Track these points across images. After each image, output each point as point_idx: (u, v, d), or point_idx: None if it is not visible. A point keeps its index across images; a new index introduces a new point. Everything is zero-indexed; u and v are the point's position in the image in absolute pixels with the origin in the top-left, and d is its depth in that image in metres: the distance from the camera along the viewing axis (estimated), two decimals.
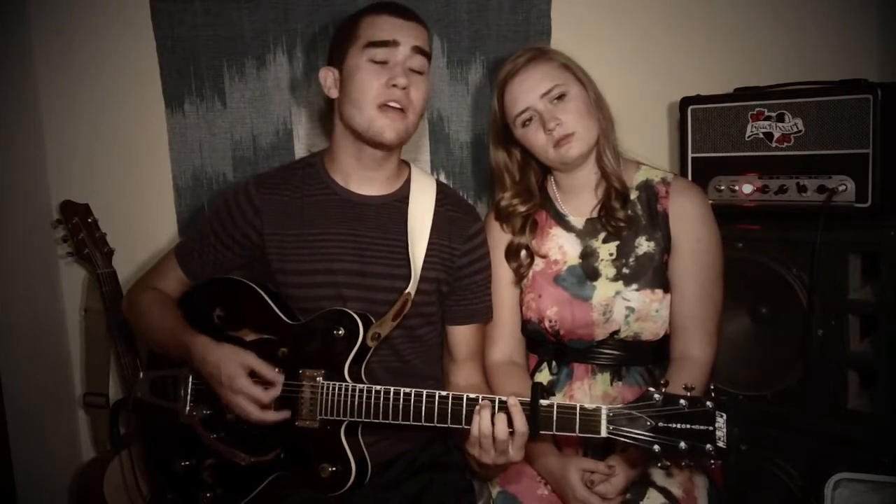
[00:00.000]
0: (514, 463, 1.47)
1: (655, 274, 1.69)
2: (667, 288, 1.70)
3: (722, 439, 1.29)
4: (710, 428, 1.30)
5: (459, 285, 1.74)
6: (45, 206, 2.24)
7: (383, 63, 1.61)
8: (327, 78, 1.70)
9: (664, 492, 1.56)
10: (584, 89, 1.70)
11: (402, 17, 1.64)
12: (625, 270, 1.70)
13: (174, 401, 1.70)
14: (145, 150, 2.24)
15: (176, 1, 2.16)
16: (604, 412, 1.36)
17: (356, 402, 1.51)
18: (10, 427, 1.99)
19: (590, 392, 1.71)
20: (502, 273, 1.79)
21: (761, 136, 1.91)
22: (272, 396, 1.54)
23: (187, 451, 1.67)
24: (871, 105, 1.75)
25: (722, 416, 1.30)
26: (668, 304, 1.70)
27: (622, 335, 1.70)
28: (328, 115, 1.78)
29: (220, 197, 1.95)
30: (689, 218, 1.70)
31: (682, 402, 1.32)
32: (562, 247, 1.76)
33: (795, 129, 1.86)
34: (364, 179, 1.71)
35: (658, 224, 1.71)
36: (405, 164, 1.79)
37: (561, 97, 1.67)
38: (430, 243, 1.68)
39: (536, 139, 1.69)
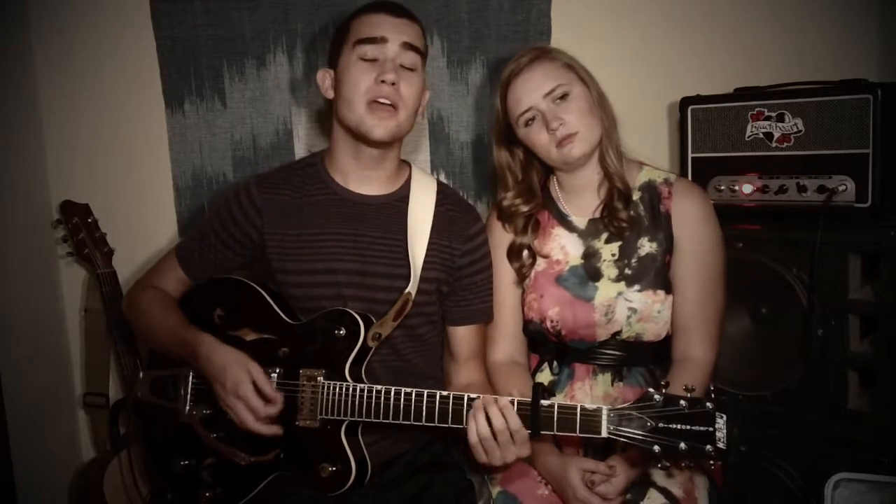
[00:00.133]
0: (522, 457, 1.46)
1: (657, 275, 1.69)
2: (669, 289, 1.69)
3: (722, 440, 1.29)
4: (710, 429, 1.29)
5: (460, 285, 1.74)
6: (45, 206, 2.24)
7: (373, 60, 1.62)
8: (325, 79, 1.71)
9: (664, 492, 1.56)
10: (588, 89, 1.70)
11: (392, 13, 1.65)
12: (627, 271, 1.70)
13: (174, 400, 1.70)
14: (145, 150, 2.25)
15: (176, 1, 2.16)
16: (604, 412, 1.36)
17: (357, 402, 1.51)
18: (10, 427, 1.99)
19: (591, 392, 1.71)
20: (504, 273, 1.79)
21: (761, 136, 1.91)
22: (270, 413, 1.53)
23: (187, 450, 1.67)
24: (871, 105, 1.75)
25: (722, 417, 1.30)
26: (669, 305, 1.70)
27: (624, 336, 1.70)
28: (328, 115, 1.79)
29: (220, 197, 1.96)
30: (691, 219, 1.69)
31: (683, 402, 1.32)
32: (564, 247, 1.76)
33: (795, 129, 1.86)
34: (363, 179, 1.71)
35: (660, 225, 1.70)
36: (405, 164, 1.79)
37: (564, 97, 1.67)
38: (430, 243, 1.68)
39: (539, 139, 1.69)
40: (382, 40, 1.62)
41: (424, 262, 1.67)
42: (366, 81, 1.61)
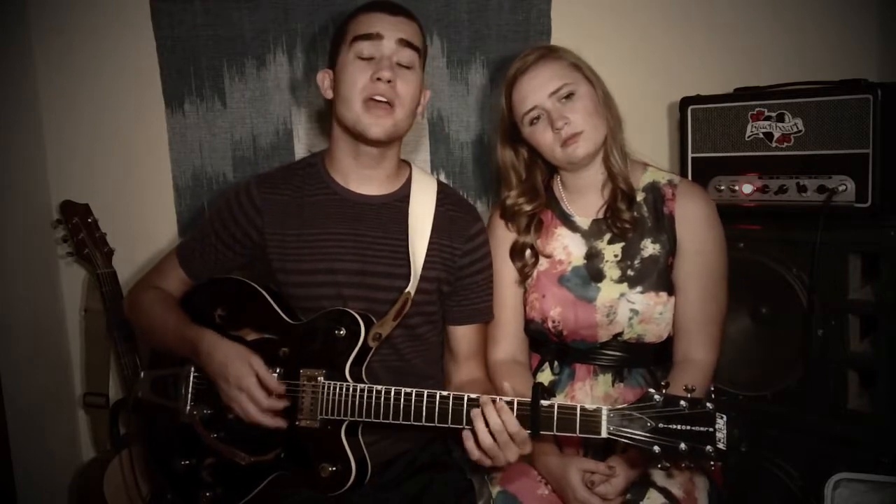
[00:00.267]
0: (523, 455, 1.46)
1: (660, 277, 1.68)
2: (671, 291, 1.69)
3: (722, 441, 1.29)
4: (711, 429, 1.29)
5: (461, 285, 1.74)
6: (45, 206, 2.24)
7: (370, 58, 1.62)
8: (324, 80, 1.71)
9: (664, 492, 1.56)
10: (593, 89, 1.69)
11: (388, 11, 1.65)
12: (630, 272, 1.69)
13: (175, 400, 1.70)
14: (145, 150, 2.25)
15: (176, 1, 2.17)
16: (604, 413, 1.36)
17: (357, 402, 1.51)
18: (11, 427, 1.99)
19: (591, 393, 1.71)
20: (506, 272, 1.78)
21: (761, 136, 1.91)
22: (273, 405, 1.53)
23: (187, 450, 1.67)
24: (871, 105, 1.75)
25: (722, 418, 1.30)
26: (671, 307, 1.69)
27: (625, 337, 1.69)
28: (328, 115, 1.79)
29: (221, 197, 1.96)
30: (695, 221, 1.69)
31: (683, 403, 1.31)
32: (567, 247, 1.76)
33: (795, 129, 1.86)
34: (363, 178, 1.71)
35: (664, 226, 1.70)
36: (406, 164, 1.79)
37: (569, 96, 1.67)
38: (430, 243, 1.68)
39: (544, 138, 1.69)
40: (378, 37, 1.62)
41: (425, 261, 1.67)
42: (362, 79, 1.61)
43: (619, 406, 1.37)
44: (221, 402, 1.59)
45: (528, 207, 1.77)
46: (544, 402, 1.39)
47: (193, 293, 1.77)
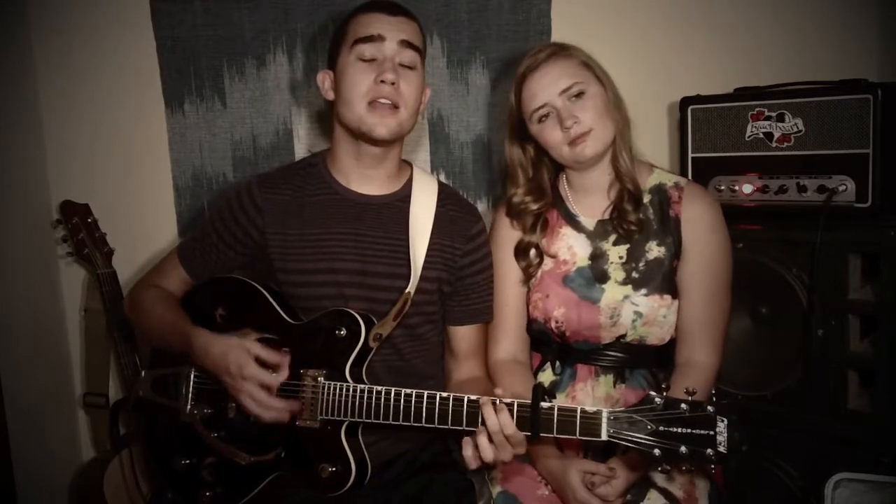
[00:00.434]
0: (519, 454, 1.45)
1: (665, 279, 1.68)
2: (675, 294, 1.69)
3: (723, 444, 1.29)
4: (711, 433, 1.29)
5: (461, 285, 1.74)
6: (45, 206, 2.24)
7: (372, 60, 1.62)
8: (325, 81, 1.71)
9: (665, 493, 1.56)
10: (604, 88, 1.69)
11: (388, 12, 1.65)
12: (634, 274, 1.69)
13: (175, 399, 1.70)
14: (145, 150, 2.25)
15: (176, 1, 2.17)
16: (604, 415, 1.36)
17: (357, 403, 1.51)
18: (11, 427, 1.99)
19: (592, 394, 1.70)
20: (509, 271, 1.78)
21: (761, 136, 1.91)
22: (281, 380, 1.53)
23: (188, 449, 1.67)
24: (871, 105, 1.75)
25: (723, 421, 1.29)
26: (675, 310, 1.69)
27: (628, 339, 1.69)
28: (328, 115, 1.79)
29: (222, 196, 1.96)
30: (701, 224, 1.69)
31: (683, 406, 1.31)
32: (571, 247, 1.75)
33: (795, 129, 1.86)
34: (364, 178, 1.71)
35: (669, 229, 1.70)
36: (407, 164, 1.79)
37: (579, 95, 1.66)
38: (431, 243, 1.68)
39: (552, 136, 1.68)
40: (380, 38, 1.62)
41: (426, 261, 1.67)
42: (365, 82, 1.61)
43: (620, 409, 1.36)
44: (224, 402, 1.59)
45: (534, 206, 1.76)
46: (544, 404, 1.39)
47: (194, 293, 1.77)
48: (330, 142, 1.76)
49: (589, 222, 1.76)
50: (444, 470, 1.71)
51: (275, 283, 1.69)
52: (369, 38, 1.61)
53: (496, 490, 1.66)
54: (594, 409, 1.37)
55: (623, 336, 1.69)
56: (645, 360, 1.71)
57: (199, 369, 1.64)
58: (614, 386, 1.70)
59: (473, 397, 1.44)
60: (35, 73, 2.22)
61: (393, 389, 1.49)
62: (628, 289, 1.68)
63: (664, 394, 1.34)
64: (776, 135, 1.89)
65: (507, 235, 1.79)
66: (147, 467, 1.95)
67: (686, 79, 2.18)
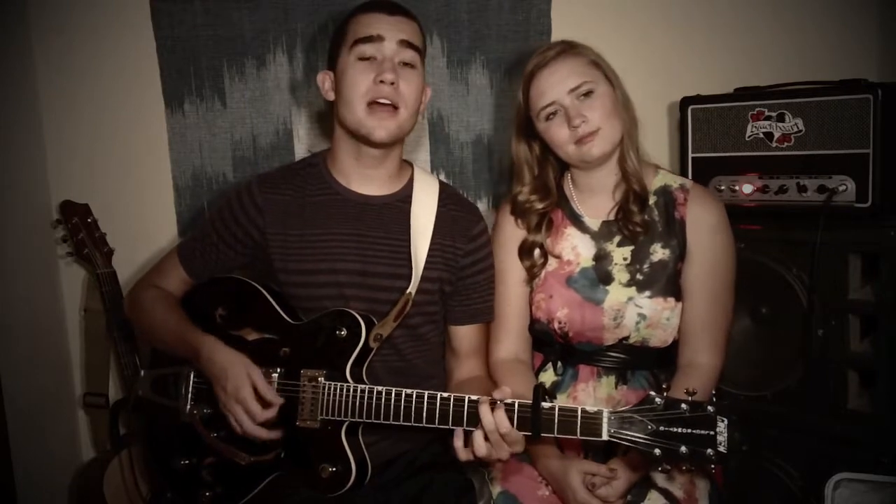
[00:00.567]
0: (516, 453, 1.46)
1: (669, 282, 1.68)
2: (679, 296, 1.68)
3: (723, 444, 1.29)
4: (712, 433, 1.29)
5: (462, 285, 1.74)
6: (45, 206, 2.24)
7: (371, 60, 1.62)
8: (325, 82, 1.71)
9: (665, 493, 1.56)
10: (612, 88, 1.68)
11: (387, 12, 1.64)
12: (638, 276, 1.68)
13: (175, 399, 1.70)
14: (145, 150, 2.24)
15: (176, 1, 2.16)
16: (605, 416, 1.36)
17: (357, 403, 1.51)
18: (11, 427, 1.99)
19: (594, 394, 1.70)
20: (513, 270, 1.77)
21: (761, 136, 1.91)
22: (267, 417, 1.53)
23: (187, 449, 1.67)
24: (871, 105, 1.75)
25: (723, 421, 1.29)
26: (678, 313, 1.69)
27: (631, 340, 1.69)
28: (328, 115, 1.79)
29: (222, 196, 1.96)
30: (706, 227, 1.68)
31: (684, 406, 1.31)
32: (575, 247, 1.74)
33: (796, 129, 1.86)
34: (365, 179, 1.71)
35: (674, 231, 1.69)
36: (408, 164, 1.79)
37: (588, 94, 1.65)
38: (432, 243, 1.68)
39: (559, 134, 1.67)
40: (379, 38, 1.61)
41: (427, 261, 1.67)
42: (365, 82, 1.60)
43: (620, 409, 1.36)
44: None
45: (539, 205, 1.76)
46: (545, 404, 1.39)
47: (194, 292, 1.77)
48: (330, 142, 1.75)
49: (593, 223, 1.75)
50: (444, 470, 1.70)
51: (275, 283, 1.69)
52: (368, 39, 1.61)
53: (496, 490, 1.66)
54: (595, 409, 1.37)
55: (626, 338, 1.68)
56: (647, 362, 1.71)
57: (198, 373, 1.64)
58: (616, 387, 1.70)
59: (474, 397, 1.44)
60: (35, 73, 2.22)
61: (393, 390, 1.49)
62: (632, 291, 1.68)
63: (664, 394, 1.34)
64: (776, 135, 1.89)
65: (511, 234, 1.78)
66: (147, 467, 1.95)
67: (686, 79, 2.18)
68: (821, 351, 1.82)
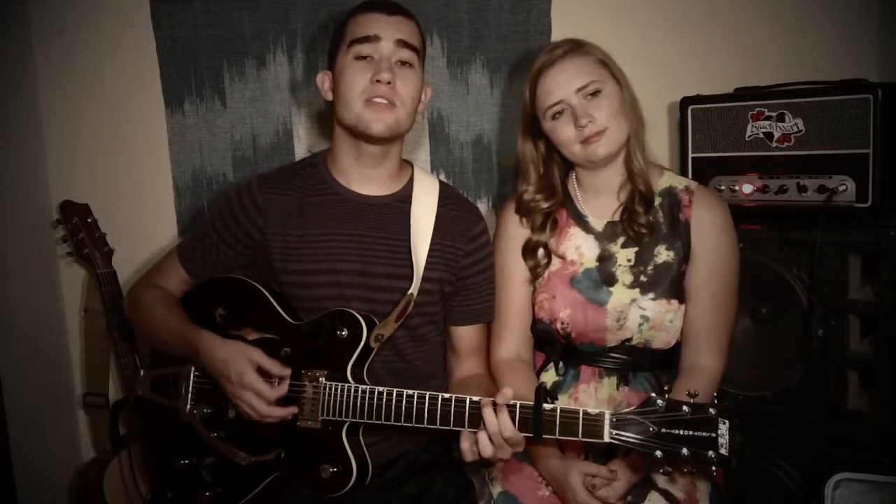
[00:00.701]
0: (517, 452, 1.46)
1: (672, 284, 1.67)
2: (682, 298, 1.68)
3: (724, 446, 1.29)
4: (713, 435, 1.29)
5: (462, 285, 1.74)
6: (45, 206, 2.24)
7: (368, 59, 1.62)
8: (324, 82, 1.71)
9: (666, 494, 1.56)
10: (620, 88, 1.67)
11: (386, 12, 1.64)
12: (642, 278, 1.68)
13: (175, 399, 1.70)
14: (145, 150, 2.25)
15: (176, 1, 2.16)
16: (607, 417, 1.36)
17: (358, 404, 1.51)
18: (11, 427, 1.99)
19: (595, 395, 1.70)
20: (516, 269, 1.76)
21: (761, 136, 1.91)
22: (280, 394, 1.53)
23: (187, 449, 1.67)
24: (871, 105, 1.75)
25: (725, 423, 1.29)
26: (682, 315, 1.68)
27: (633, 342, 1.68)
28: (328, 116, 1.78)
29: (222, 196, 1.96)
30: (711, 229, 1.68)
31: (685, 408, 1.31)
32: (579, 248, 1.73)
33: (796, 129, 1.86)
34: (365, 178, 1.71)
35: (679, 233, 1.69)
36: (408, 164, 1.79)
37: (595, 94, 1.64)
38: (432, 243, 1.68)
39: (564, 133, 1.66)
40: (376, 38, 1.61)
41: (427, 262, 1.67)
42: (362, 81, 1.61)
43: (622, 411, 1.36)
44: (223, 401, 1.59)
45: (544, 205, 1.75)
46: (547, 406, 1.39)
47: (194, 292, 1.77)
48: (330, 142, 1.75)
49: (598, 223, 1.75)
50: (444, 470, 1.71)
51: (276, 283, 1.69)
52: (365, 39, 1.61)
53: (496, 490, 1.66)
54: (596, 410, 1.37)
55: (628, 339, 1.68)
56: (649, 364, 1.71)
57: (201, 371, 1.64)
58: (617, 388, 1.69)
59: (475, 399, 1.44)
60: (35, 73, 2.22)
61: (395, 390, 1.49)
62: (636, 292, 1.67)
63: (666, 396, 1.34)
64: (776, 135, 1.89)
65: (515, 233, 1.77)
66: (147, 467, 1.95)
67: (686, 79, 2.18)
68: (821, 351, 1.82)
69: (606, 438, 1.35)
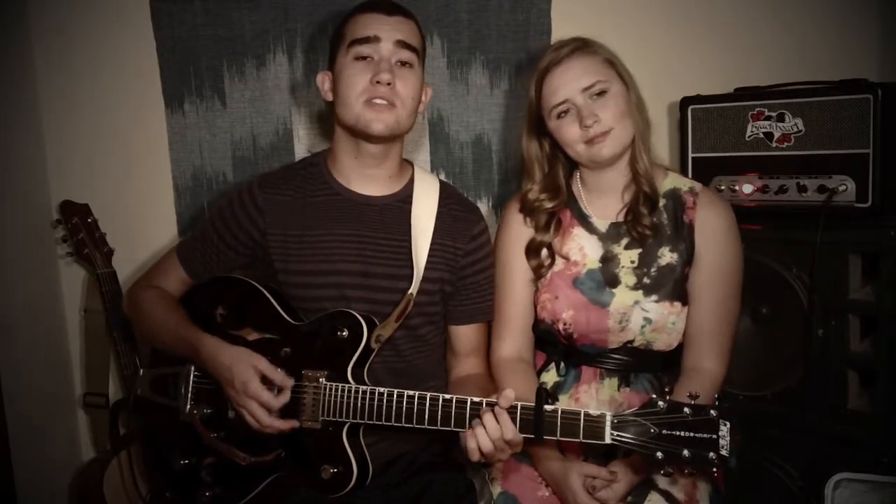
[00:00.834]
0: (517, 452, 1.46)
1: (676, 286, 1.66)
2: (685, 301, 1.67)
3: (725, 448, 1.29)
4: (714, 436, 1.29)
5: (462, 285, 1.74)
6: (45, 206, 2.24)
7: (368, 60, 1.61)
8: (324, 82, 1.71)
9: (666, 495, 1.56)
10: (626, 88, 1.66)
11: (384, 12, 1.64)
12: (645, 280, 1.67)
13: (174, 399, 1.70)
14: (145, 150, 2.25)
15: (176, 1, 2.17)
16: (608, 419, 1.36)
17: (359, 404, 1.51)
18: (10, 427, 1.99)
19: (596, 396, 1.69)
20: (518, 268, 1.75)
21: (761, 135, 1.90)
22: (282, 402, 1.53)
23: (187, 449, 1.67)
24: (871, 105, 1.74)
25: (726, 425, 1.29)
26: (684, 317, 1.68)
27: (635, 344, 1.68)
28: (328, 115, 1.78)
29: (222, 197, 1.96)
30: (715, 231, 1.67)
31: (686, 410, 1.31)
32: (582, 248, 1.73)
33: (796, 129, 1.86)
34: (365, 179, 1.71)
35: (683, 235, 1.68)
36: (408, 164, 1.79)
37: (601, 94, 1.63)
38: (433, 243, 1.68)
39: (569, 132, 1.65)
40: (376, 39, 1.61)
41: (427, 262, 1.67)
42: (361, 82, 1.60)
43: (623, 412, 1.36)
44: (224, 402, 1.59)
45: (549, 204, 1.74)
46: (548, 407, 1.39)
47: (195, 292, 1.77)
48: (330, 142, 1.75)
49: (601, 224, 1.74)
50: (444, 470, 1.71)
51: (276, 283, 1.69)
52: (365, 40, 1.61)
53: (497, 491, 1.65)
54: (597, 412, 1.37)
55: (630, 341, 1.67)
56: (650, 365, 1.70)
57: (202, 371, 1.64)
58: (618, 389, 1.69)
59: (476, 399, 1.44)
60: (35, 73, 2.22)
61: (395, 391, 1.49)
62: (639, 294, 1.66)
63: (667, 397, 1.34)
64: (776, 135, 1.88)
65: (519, 232, 1.76)
66: (146, 467, 1.95)
67: (686, 78, 2.18)
68: (821, 351, 1.82)
69: (607, 440, 1.35)
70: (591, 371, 1.71)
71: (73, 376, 2.34)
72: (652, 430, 1.32)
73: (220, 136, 2.23)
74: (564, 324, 1.70)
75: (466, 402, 1.44)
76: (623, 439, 1.34)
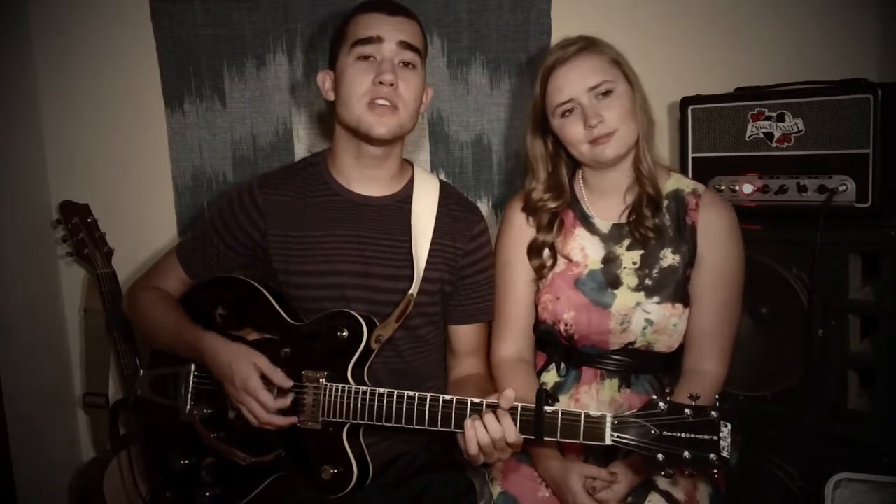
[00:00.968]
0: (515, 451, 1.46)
1: (677, 288, 1.66)
2: (687, 302, 1.67)
3: (726, 449, 1.29)
4: (715, 437, 1.29)
5: (462, 285, 1.74)
6: (45, 206, 2.24)
7: (371, 60, 1.61)
8: (325, 81, 1.71)
9: (666, 495, 1.56)
10: (632, 89, 1.65)
11: (387, 12, 1.64)
12: (647, 281, 1.67)
13: (174, 399, 1.70)
14: (145, 150, 2.25)
15: (176, 1, 2.17)
16: (608, 420, 1.35)
17: (360, 405, 1.51)
18: (10, 427, 1.99)
19: (597, 397, 1.69)
20: (520, 267, 1.75)
21: (761, 135, 1.90)
22: (282, 405, 1.53)
23: (187, 449, 1.67)
24: (871, 105, 1.74)
25: (727, 426, 1.29)
26: (685, 319, 1.67)
27: (636, 345, 1.67)
28: (328, 115, 1.78)
29: (222, 197, 1.96)
30: (717, 233, 1.67)
31: (687, 411, 1.31)
32: (584, 249, 1.72)
33: (796, 129, 1.86)
34: (366, 179, 1.70)
35: (685, 237, 1.67)
36: (408, 164, 1.78)
37: (607, 94, 1.62)
38: (433, 243, 1.68)
39: (573, 132, 1.64)
40: (378, 40, 1.61)
41: (428, 262, 1.66)
42: (364, 83, 1.60)
43: (624, 413, 1.36)
44: (224, 402, 1.59)
45: (552, 204, 1.73)
46: (548, 408, 1.39)
47: (195, 292, 1.77)
48: (330, 142, 1.75)
49: (604, 224, 1.73)
50: (444, 470, 1.70)
51: (275, 283, 1.69)
52: (368, 40, 1.61)
53: (497, 491, 1.65)
54: (598, 413, 1.37)
55: (631, 342, 1.67)
56: (651, 366, 1.70)
57: (202, 370, 1.64)
58: (619, 390, 1.69)
59: (476, 400, 1.44)
60: (35, 73, 2.22)
61: (395, 392, 1.49)
62: (640, 296, 1.66)
63: (668, 399, 1.34)
64: (776, 135, 1.88)
65: (521, 231, 1.76)
66: (146, 467, 1.95)
67: (686, 78, 2.18)
68: (821, 351, 1.82)
69: (608, 441, 1.35)
70: (591, 372, 1.71)
71: (73, 376, 2.34)
72: (652, 432, 1.32)
73: (220, 136, 2.23)
74: (565, 325, 1.69)
75: (466, 403, 1.44)
76: (623, 441, 1.34)
